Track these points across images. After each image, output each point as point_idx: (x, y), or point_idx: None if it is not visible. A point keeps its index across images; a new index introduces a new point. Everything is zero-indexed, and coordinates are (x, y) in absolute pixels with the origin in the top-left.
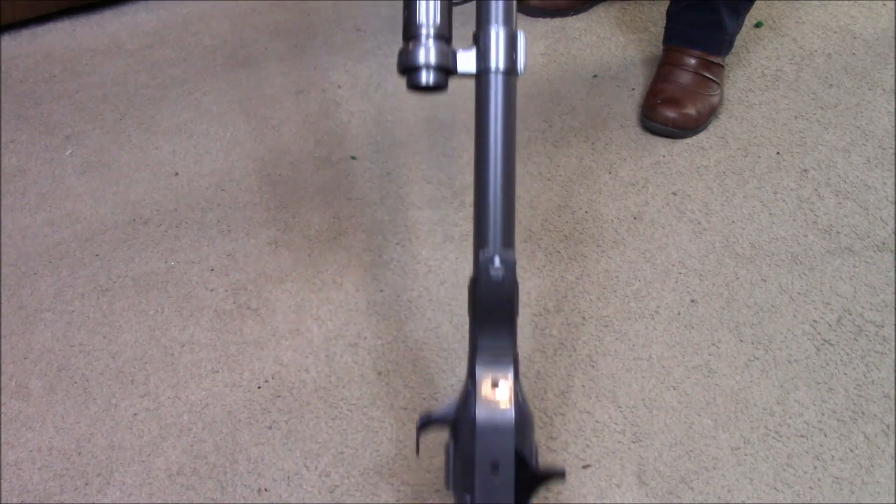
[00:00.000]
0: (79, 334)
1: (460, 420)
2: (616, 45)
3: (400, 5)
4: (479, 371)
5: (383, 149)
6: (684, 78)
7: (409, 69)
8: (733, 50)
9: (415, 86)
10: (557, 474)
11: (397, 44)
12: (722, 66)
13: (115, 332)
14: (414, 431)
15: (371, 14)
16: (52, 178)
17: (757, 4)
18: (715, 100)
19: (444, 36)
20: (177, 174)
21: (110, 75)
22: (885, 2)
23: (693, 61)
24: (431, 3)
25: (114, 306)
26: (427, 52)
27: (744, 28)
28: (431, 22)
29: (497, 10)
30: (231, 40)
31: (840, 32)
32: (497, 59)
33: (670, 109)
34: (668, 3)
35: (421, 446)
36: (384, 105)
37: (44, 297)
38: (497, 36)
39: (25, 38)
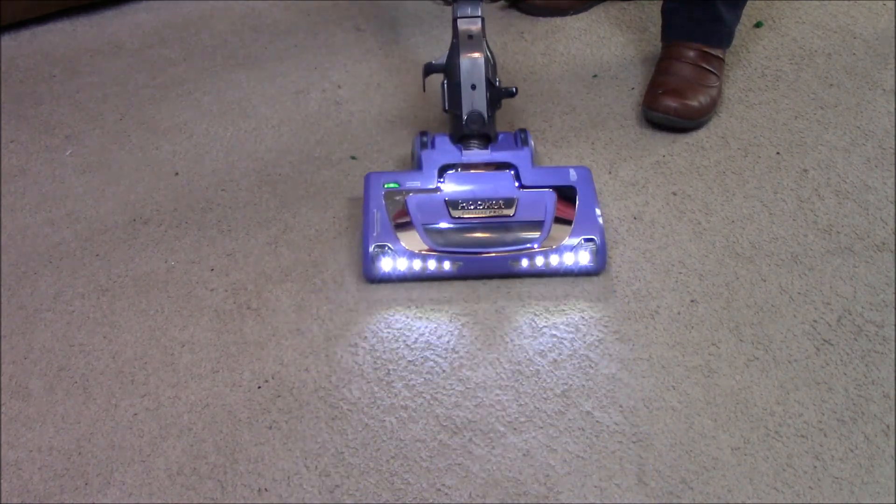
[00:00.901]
0: (79, 334)
1: (450, 63)
2: (616, 45)
3: (400, 5)
4: (459, 27)
5: (383, 149)
6: (685, 70)
7: None
8: (733, 50)
9: None
10: (511, 93)
11: (397, 44)
12: (722, 60)
13: (115, 332)
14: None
15: (371, 14)
16: (52, 178)
17: (757, 4)
18: (714, 92)
19: None
20: (177, 174)
21: (110, 75)
22: (885, 2)
23: (693, 53)
24: None
25: (114, 306)
26: None
27: (744, 28)
28: None
29: None
30: (231, 40)
31: (840, 32)
32: None
33: (672, 100)
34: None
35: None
36: (384, 105)
37: (44, 297)
38: None
39: (25, 38)
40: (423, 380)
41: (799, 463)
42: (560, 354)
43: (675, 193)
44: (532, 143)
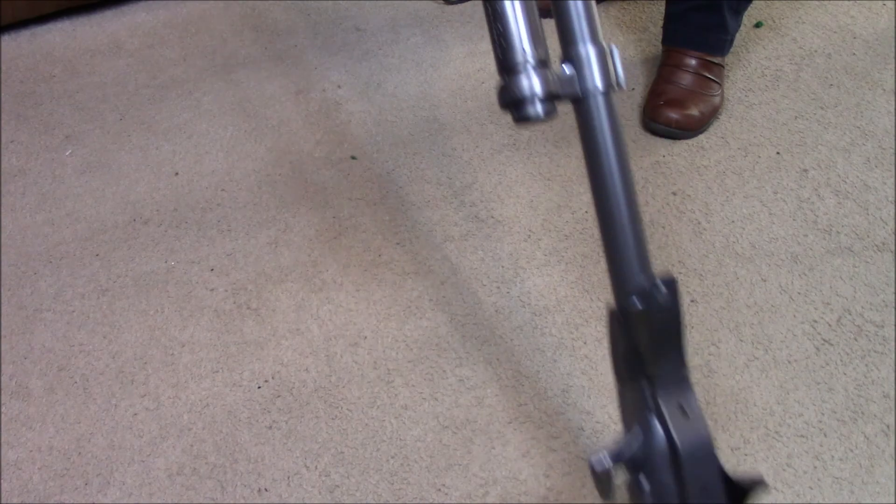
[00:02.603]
0: (79, 334)
1: (651, 454)
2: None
3: (400, 5)
4: (663, 401)
5: (383, 149)
6: (686, 79)
7: (514, 103)
8: (733, 50)
9: (523, 119)
10: (759, 482)
11: (397, 44)
12: (722, 66)
13: (115, 332)
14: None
15: (371, 14)
16: (52, 178)
17: (757, 4)
18: (717, 100)
19: (544, 59)
20: (177, 174)
21: (110, 75)
22: (885, 2)
23: (694, 62)
24: (524, 24)
25: (114, 306)
26: (532, 84)
27: (744, 28)
28: (530, 49)
29: (582, 26)
30: (231, 40)
31: (840, 32)
32: (594, 78)
33: (673, 111)
34: (664, 2)
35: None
36: (384, 105)
37: (44, 297)
38: (588, 55)
39: (25, 38)
40: (422, 379)
41: (799, 463)
42: (560, 353)
43: (674, 193)
44: None
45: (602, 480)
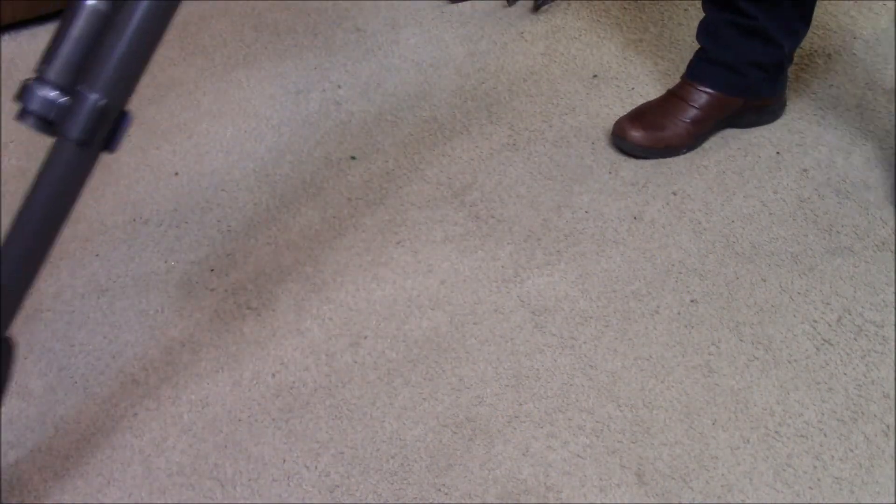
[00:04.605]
0: (79, 334)
1: None
2: (616, 45)
3: (400, 5)
4: None
5: (383, 149)
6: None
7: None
8: None
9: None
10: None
11: (397, 44)
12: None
13: (115, 332)
14: None
15: (371, 14)
16: None
17: None
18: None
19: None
20: (177, 174)
21: None
22: (885, 2)
23: (705, 99)
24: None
25: (114, 306)
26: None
27: None
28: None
29: (106, 72)
30: (231, 40)
31: (840, 32)
32: (76, 128)
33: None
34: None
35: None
36: (384, 105)
37: (44, 297)
38: (88, 103)
39: (25, 38)
40: (422, 379)
41: (799, 463)
42: (560, 353)
43: (674, 193)
44: None
45: None
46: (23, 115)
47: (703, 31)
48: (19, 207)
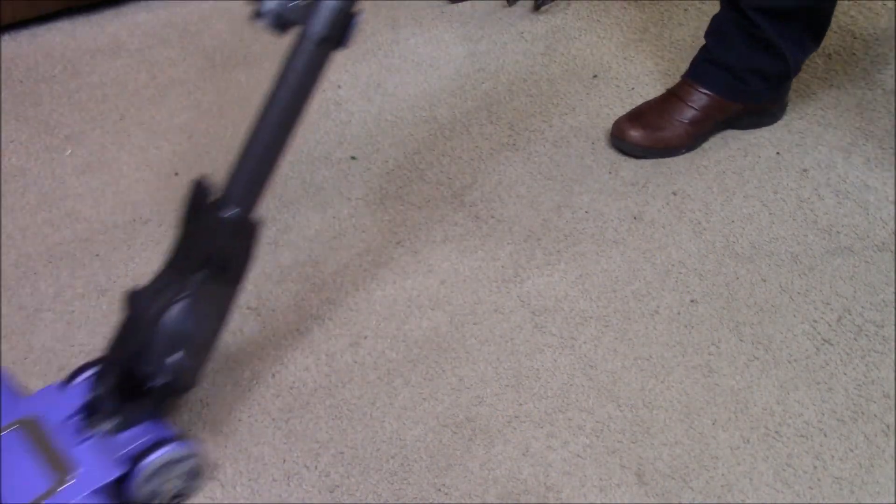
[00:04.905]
0: (79, 334)
1: None
2: (616, 45)
3: (400, 5)
4: None
5: (383, 149)
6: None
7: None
8: None
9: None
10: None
11: (397, 44)
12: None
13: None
14: None
15: (371, 14)
16: (52, 178)
17: None
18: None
19: None
20: (177, 174)
21: (110, 75)
22: (885, 2)
23: (705, 100)
24: None
25: (114, 306)
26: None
27: None
28: None
29: None
30: (231, 40)
31: (840, 32)
32: (317, 24)
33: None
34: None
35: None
36: (384, 105)
37: (44, 297)
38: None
39: (25, 38)
40: (422, 379)
41: (799, 463)
42: (560, 353)
43: (674, 193)
44: (150, 468)
45: None
46: (258, 15)
47: (712, 27)
48: (264, 103)
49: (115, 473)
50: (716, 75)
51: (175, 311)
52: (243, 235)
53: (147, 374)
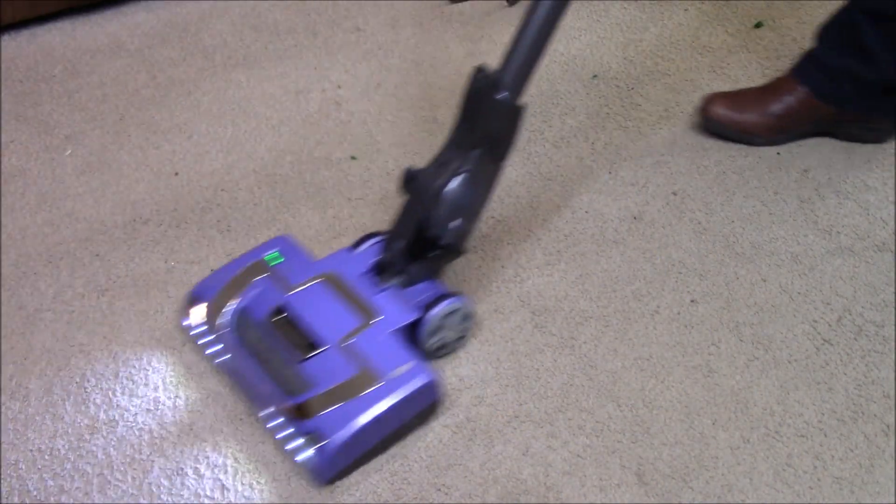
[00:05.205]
0: (79, 334)
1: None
2: (616, 45)
3: (399, 5)
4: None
5: (383, 149)
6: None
7: None
8: (733, 50)
9: None
10: (449, 252)
11: (397, 43)
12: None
13: (114, 332)
14: None
15: (371, 14)
16: (52, 178)
17: (757, 4)
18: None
19: None
20: (177, 174)
21: (110, 75)
22: None
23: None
24: None
25: (114, 306)
26: None
27: (744, 28)
28: None
29: None
30: (231, 40)
31: None
32: None
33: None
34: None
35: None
36: (384, 105)
37: (44, 297)
38: None
39: (25, 38)
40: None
41: (799, 463)
42: (560, 353)
43: (674, 193)
44: (437, 316)
45: None
46: None
47: (822, 26)
48: (522, 20)
49: (413, 317)
50: (814, 74)
51: (456, 183)
52: (513, 117)
53: (433, 237)
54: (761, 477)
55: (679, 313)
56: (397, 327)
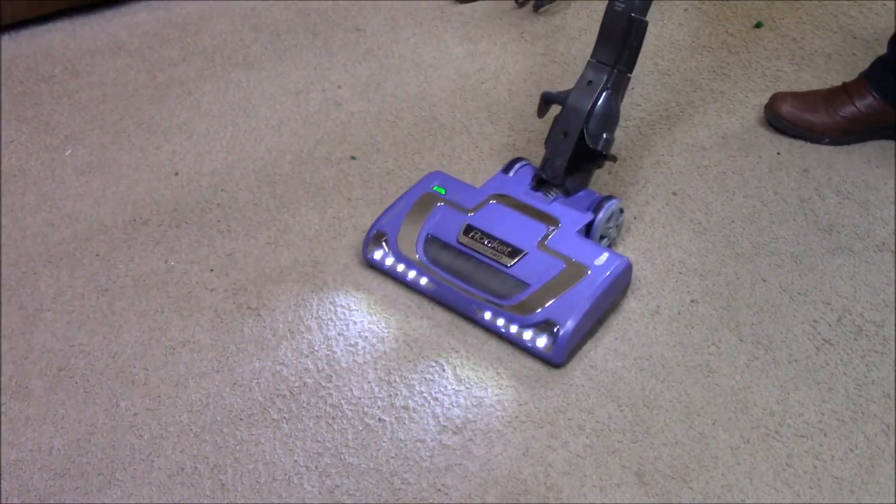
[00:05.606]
0: (79, 334)
1: (563, 101)
2: None
3: (399, 5)
4: (585, 69)
5: (383, 149)
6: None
7: None
8: (733, 50)
9: None
10: (606, 157)
11: (397, 44)
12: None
13: (115, 332)
14: None
15: (371, 14)
16: (52, 178)
17: (757, 4)
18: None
19: None
20: (177, 174)
21: (110, 75)
22: (885, 2)
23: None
24: None
25: (114, 306)
26: None
27: (744, 28)
28: None
29: None
30: (231, 40)
31: (840, 32)
32: None
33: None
34: None
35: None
36: (384, 105)
37: (44, 297)
38: None
39: (25, 38)
40: (422, 379)
41: (799, 463)
42: None
43: (675, 193)
44: (604, 216)
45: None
46: None
47: (894, 37)
48: None
49: (589, 218)
50: (886, 80)
51: (603, 98)
52: (643, 33)
53: (589, 151)
54: (761, 477)
55: (679, 313)
56: (579, 227)
